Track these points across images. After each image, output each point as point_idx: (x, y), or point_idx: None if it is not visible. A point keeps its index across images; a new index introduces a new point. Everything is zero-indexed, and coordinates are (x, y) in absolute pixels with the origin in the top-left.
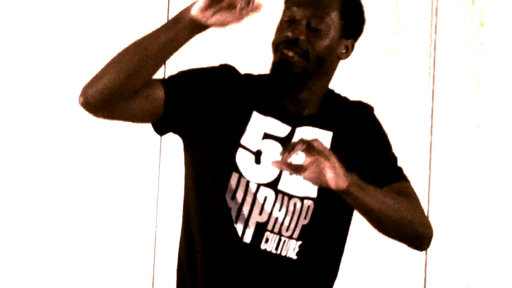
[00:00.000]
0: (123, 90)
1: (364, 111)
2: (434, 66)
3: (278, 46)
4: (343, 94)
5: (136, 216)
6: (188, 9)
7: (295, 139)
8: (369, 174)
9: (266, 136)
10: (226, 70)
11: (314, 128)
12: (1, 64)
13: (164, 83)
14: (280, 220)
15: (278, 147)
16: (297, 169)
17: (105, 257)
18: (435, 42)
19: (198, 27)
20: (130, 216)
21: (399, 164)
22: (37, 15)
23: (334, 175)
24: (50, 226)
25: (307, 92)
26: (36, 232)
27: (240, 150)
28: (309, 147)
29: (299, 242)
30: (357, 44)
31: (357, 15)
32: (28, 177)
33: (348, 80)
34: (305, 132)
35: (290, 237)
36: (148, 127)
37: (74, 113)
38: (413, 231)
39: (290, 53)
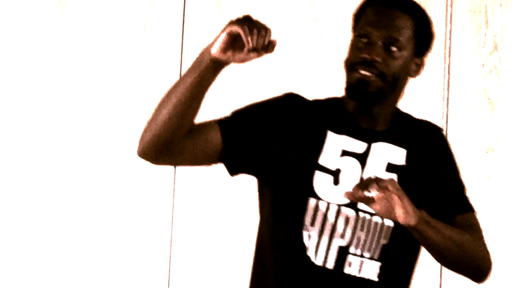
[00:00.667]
0: (170, 138)
1: (434, 131)
2: (448, 89)
3: (354, 66)
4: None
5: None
6: (208, 49)
7: (372, 155)
8: (438, 201)
9: (345, 153)
10: (291, 98)
11: (388, 144)
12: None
13: (220, 124)
14: (362, 241)
15: (356, 164)
16: (368, 201)
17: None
18: (449, 65)
19: (220, 65)
20: (146, 223)
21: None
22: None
23: (404, 212)
24: (67, 235)
25: (380, 109)
26: (57, 240)
27: (317, 173)
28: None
29: (379, 263)
30: None
31: (427, 33)
32: (50, 185)
33: None
34: (380, 148)
35: (371, 258)
36: None
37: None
38: (474, 267)
39: (368, 74)
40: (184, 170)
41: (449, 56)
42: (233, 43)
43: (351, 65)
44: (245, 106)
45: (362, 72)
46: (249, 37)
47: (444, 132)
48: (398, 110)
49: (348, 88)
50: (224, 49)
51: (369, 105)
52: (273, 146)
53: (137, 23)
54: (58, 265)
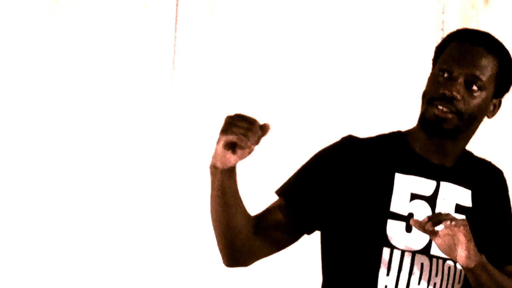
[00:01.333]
0: (239, 244)
1: (496, 173)
2: None
3: (432, 101)
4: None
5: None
6: (213, 166)
7: (440, 196)
8: (495, 247)
9: (414, 196)
10: (349, 141)
11: (455, 186)
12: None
13: (283, 195)
14: (438, 286)
15: (426, 207)
16: (432, 234)
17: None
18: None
19: (230, 171)
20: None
21: None
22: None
23: (466, 254)
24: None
25: (452, 146)
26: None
27: (390, 221)
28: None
29: None
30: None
31: (510, 74)
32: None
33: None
34: (448, 188)
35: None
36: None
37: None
38: None
39: (445, 110)
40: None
41: None
42: (232, 147)
43: (429, 100)
44: (304, 164)
45: (440, 107)
46: (246, 142)
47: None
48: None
49: (423, 122)
50: (227, 159)
51: (443, 141)
52: (339, 197)
53: (130, 27)
54: (61, 259)
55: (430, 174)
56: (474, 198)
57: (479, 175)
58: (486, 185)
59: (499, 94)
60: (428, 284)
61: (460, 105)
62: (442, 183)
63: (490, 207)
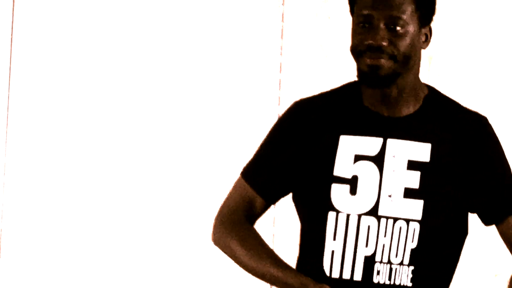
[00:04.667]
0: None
1: (475, 122)
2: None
3: (361, 54)
4: (453, 98)
5: None
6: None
7: (388, 154)
8: (486, 201)
9: (358, 158)
10: (298, 107)
11: (408, 142)
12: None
13: (245, 179)
14: (387, 247)
15: (373, 168)
16: None
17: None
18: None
19: None
20: None
21: None
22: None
23: None
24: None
25: (397, 91)
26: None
27: (334, 185)
28: None
29: (411, 268)
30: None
31: (429, 1)
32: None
33: None
34: (398, 146)
35: (401, 264)
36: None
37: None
38: None
39: (378, 62)
40: None
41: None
42: None
43: (358, 53)
44: (263, 141)
45: (372, 60)
46: None
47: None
48: (433, 94)
49: (360, 76)
50: None
51: (384, 88)
52: (293, 165)
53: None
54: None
55: (377, 131)
56: (434, 151)
57: (451, 124)
58: (460, 135)
59: (426, 21)
60: (376, 246)
61: (390, 50)
62: (390, 140)
63: (461, 159)
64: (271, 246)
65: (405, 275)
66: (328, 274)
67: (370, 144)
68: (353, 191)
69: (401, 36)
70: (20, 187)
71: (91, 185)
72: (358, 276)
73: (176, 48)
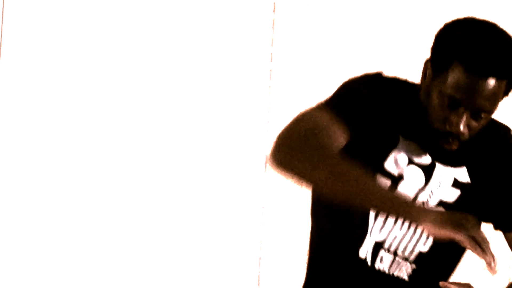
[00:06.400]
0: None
1: (500, 134)
2: None
3: (439, 132)
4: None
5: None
6: (424, 214)
7: (437, 170)
8: (502, 213)
9: (411, 162)
10: (377, 83)
11: (449, 168)
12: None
13: (332, 109)
14: (398, 239)
15: (421, 175)
16: None
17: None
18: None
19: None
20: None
21: None
22: None
23: None
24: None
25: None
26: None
27: (378, 175)
28: None
29: (413, 266)
30: None
31: None
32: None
33: None
34: (442, 174)
35: (404, 259)
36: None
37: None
38: None
39: (450, 147)
40: None
41: None
42: None
43: (436, 130)
44: (338, 91)
45: (447, 146)
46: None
47: None
48: None
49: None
50: None
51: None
52: (359, 135)
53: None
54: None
55: (428, 148)
56: (471, 173)
57: (478, 145)
58: (489, 152)
59: (507, 94)
60: (388, 235)
61: (466, 137)
62: (438, 165)
63: (494, 177)
64: (258, 251)
65: (404, 269)
66: (346, 244)
67: (424, 156)
68: (392, 188)
69: (481, 120)
70: (16, 187)
71: (80, 184)
72: (368, 259)
73: (167, 41)
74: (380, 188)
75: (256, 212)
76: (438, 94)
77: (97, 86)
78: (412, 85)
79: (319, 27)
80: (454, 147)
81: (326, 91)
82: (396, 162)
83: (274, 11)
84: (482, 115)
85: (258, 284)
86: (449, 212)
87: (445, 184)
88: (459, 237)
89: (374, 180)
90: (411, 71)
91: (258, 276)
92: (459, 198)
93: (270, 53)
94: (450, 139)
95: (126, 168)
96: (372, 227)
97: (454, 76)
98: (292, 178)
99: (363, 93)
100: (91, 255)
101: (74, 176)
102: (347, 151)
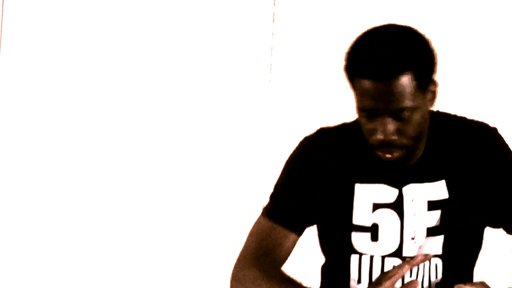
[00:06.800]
0: None
1: (482, 138)
2: None
3: (373, 147)
4: (454, 113)
5: None
6: None
7: (406, 199)
8: (502, 217)
9: (376, 206)
10: (309, 155)
11: (421, 185)
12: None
13: (269, 216)
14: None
15: (392, 214)
16: None
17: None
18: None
19: None
20: None
21: None
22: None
23: None
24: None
25: (410, 156)
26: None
27: (354, 233)
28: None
29: None
30: None
31: (427, 61)
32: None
33: None
34: (415, 190)
35: None
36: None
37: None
38: None
39: (390, 155)
40: None
41: None
42: None
43: (370, 146)
44: (280, 179)
45: (386, 156)
46: None
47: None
48: (435, 124)
49: (374, 160)
50: None
51: (400, 166)
52: (313, 201)
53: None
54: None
55: (391, 180)
56: (450, 187)
57: (459, 150)
58: (470, 157)
59: (428, 81)
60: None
61: (401, 141)
62: (405, 188)
63: (477, 184)
64: None
65: None
66: None
67: (387, 192)
68: (374, 238)
69: (409, 121)
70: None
71: (79, 183)
72: None
73: (166, 38)
74: None
75: (256, 210)
76: (357, 112)
77: (97, 85)
78: (343, 129)
79: (319, 20)
80: (396, 154)
81: (325, 85)
82: (362, 212)
83: (274, 4)
84: (403, 114)
85: None
86: None
87: (420, 211)
88: None
89: None
90: None
91: None
92: (442, 217)
93: (270, 46)
94: (387, 148)
95: (126, 163)
96: None
97: (358, 88)
98: None
99: (299, 179)
100: (92, 248)
101: (75, 175)
102: (319, 224)
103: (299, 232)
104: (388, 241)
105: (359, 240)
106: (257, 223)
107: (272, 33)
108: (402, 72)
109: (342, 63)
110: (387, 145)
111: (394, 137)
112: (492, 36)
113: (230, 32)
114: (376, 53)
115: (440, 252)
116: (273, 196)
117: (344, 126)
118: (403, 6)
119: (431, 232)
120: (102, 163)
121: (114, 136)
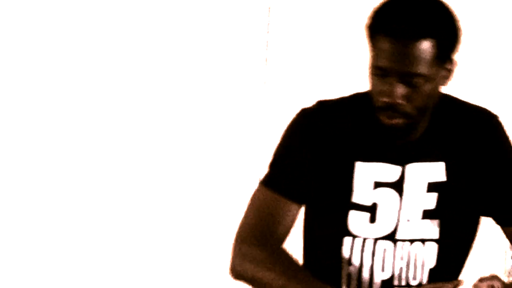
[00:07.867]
0: None
1: (484, 125)
2: None
3: (378, 109)
4: (461, 98)
5: None
6: None
7: (407, 179)
8: (500, 207)
9: (378, 184)
10: (308, 128)
11: (424, 164)
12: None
13: (270, 186)
14: (404, 270)
15: (393, 194)
16: None
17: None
18: None
19: None
20: None
21: None
22: None
23: None
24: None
25: (413, 132)
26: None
27: (352, 212)
28: None
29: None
30: None
31: (452, 35)
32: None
33: None
34: (417, 170)
35: (419, 285)
36: None
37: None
38: None
39: (393, 121)
40: None
41: None
42: None
43: (375, 108)
44: (278, 149)
45: (388, 120)
46: None
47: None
48: (443, 102)
49: (377, 129)
50: None
51: (401, 138)
52: (312, 181)
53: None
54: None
55: (394, 157)
56: (449, 169)
57: (459, 136)
58: (471, 142)
59: (448, 55)
60: (393, 269)
61: (406, 108)
62: (408, 167)
63: (476, 170)
64: None
65: None
66: None
67: (389, 170)
68: (372, 219)
69: (418, 89)
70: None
71: (77, 183)
72: None
73: (163, 39)
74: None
75: (253, 184)
76: (370, 69)
77: (94, 85)
78: (356, 97)
79: (315, 20)
80: (398, 121)
81: (321, 83)
82: (362, 191)
83: None
84: (415, 80)
85: None
86: None
87: (419, 192)
88: None
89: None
90: None
91: None
92: (439, 200)
93: (266, 41)
94: (391, 112)
95: (124, 162)
96: (372, 267)
97: (377, 46)
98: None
99: (299, 149)
100: (92, 247)
101: (73, 175)
102: (312, 203)
103: (301, 203)
104: (385, 222)
105: (356, 220)
106: (256, 193)
107: (267, 27)
108: (424, 36)
109: (364, 22)
110: (391, 108)
111: (400, 101)
112: (492, 36)
113: (225, 30)
114: (403, 14)
115: (436, 236)
116: (273, 165)
117: (343, 100)
118: None
119: (427, 214)
120: (97, 151)
121: (107, 122)
